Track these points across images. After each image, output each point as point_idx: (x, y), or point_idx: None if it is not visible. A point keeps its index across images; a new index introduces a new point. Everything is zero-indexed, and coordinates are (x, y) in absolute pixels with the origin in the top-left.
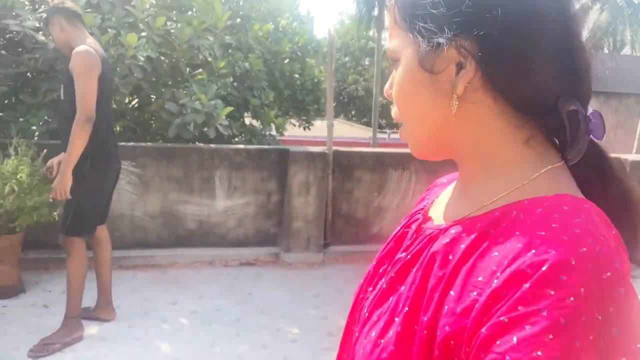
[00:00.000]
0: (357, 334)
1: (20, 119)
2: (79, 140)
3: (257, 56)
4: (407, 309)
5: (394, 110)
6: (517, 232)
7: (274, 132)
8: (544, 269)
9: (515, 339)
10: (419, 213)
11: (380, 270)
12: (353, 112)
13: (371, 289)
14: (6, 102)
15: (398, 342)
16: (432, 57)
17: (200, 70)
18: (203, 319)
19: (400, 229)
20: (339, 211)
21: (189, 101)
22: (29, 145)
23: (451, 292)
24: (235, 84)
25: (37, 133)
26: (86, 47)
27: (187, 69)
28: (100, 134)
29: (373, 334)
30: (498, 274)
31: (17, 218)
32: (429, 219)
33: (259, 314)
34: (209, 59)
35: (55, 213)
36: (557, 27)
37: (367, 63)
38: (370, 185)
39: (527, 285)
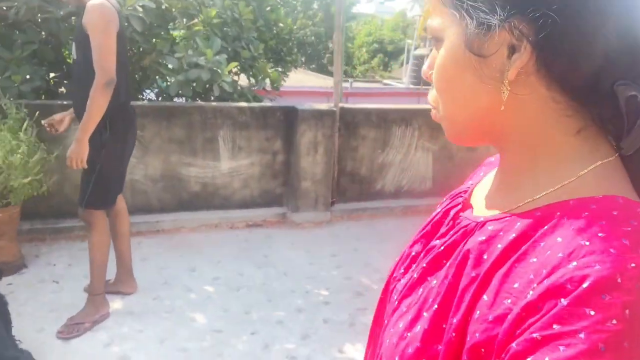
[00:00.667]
0: (386, 322)
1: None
2: (97, 105)
3: (246, 3)
4: (436, 306)
5: (432, 93)
6: (558, 239)
7: (268, 87)
8: (584, 285)
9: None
10: (461, 196)
11: (413, 253)
12: (303, 59)
13: (402, 271)
14: None
15: (424, 340)
16: (482, 39)
17: (196, 20)
18: (228, 285)
19: (440, 210)
20: (343, 169)
21: (188, 55)
22: (18, 107)
23: (484, 297)
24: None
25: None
26: (101, 0)
27: (184, 19)
28: (119, 96)
29: (400, 325)
30: (535, 284)
31: (9, 194)
32: (469, 206)
33: (283, 276)
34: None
35: (45, 187)
36: (627, 1)
37: (315, 6)
38: (374, 142)
39: (564, 302)
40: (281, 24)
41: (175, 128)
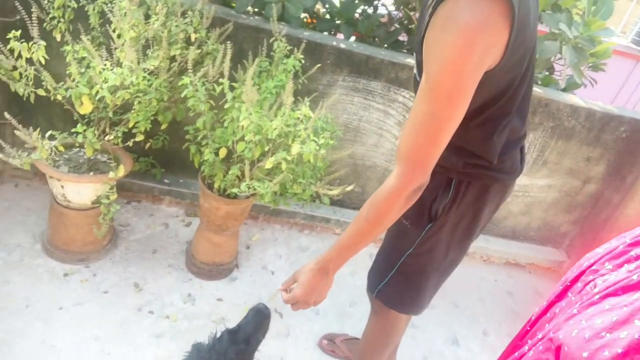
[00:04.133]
0: (575, 311)
1: None
2: (382, 223)
3: None
4: None
5: None
6: None
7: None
8: None
9: None
10: None
11: (633, 254)
12: None
13: (610, 267)
14: None
15: (630, 349)
16: None
17: None
18: None
19: None
20: None
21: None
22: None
23: None
24: None
25: None
26: None
27: None
28: (495, 146)
29: (598, 322)
30: None
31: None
32: None
33: None
34: None
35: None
36: None
37: None
38: None
39: None
40: None
41: None
